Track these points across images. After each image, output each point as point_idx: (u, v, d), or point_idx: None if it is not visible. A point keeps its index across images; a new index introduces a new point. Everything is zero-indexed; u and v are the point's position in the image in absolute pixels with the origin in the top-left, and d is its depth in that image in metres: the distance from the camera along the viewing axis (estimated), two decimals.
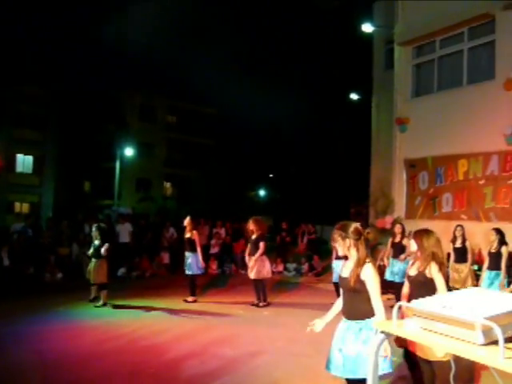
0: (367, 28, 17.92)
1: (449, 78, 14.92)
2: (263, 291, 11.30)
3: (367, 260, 4.44)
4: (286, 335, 8.56)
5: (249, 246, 11.53)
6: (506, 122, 12.59)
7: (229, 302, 11.59)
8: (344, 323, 4.52)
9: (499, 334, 2.03)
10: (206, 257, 16.20)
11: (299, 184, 45.78)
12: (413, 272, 5.24)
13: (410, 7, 15.62)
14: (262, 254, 11.14)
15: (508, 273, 9.88)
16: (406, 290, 5.41)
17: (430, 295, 3.14)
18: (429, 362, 4.89)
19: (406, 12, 15.79)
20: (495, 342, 2.07)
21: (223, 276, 16.34)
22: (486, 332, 2.11)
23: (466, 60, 14.27)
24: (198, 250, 11.58)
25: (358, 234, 4.48)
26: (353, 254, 4.49)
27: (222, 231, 18.39)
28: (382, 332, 2.50)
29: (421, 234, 5.20)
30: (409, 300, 4.96)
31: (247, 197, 51.60)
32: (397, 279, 11.01)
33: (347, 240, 4.47)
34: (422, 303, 2.43)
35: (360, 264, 4.41)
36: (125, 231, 16.51)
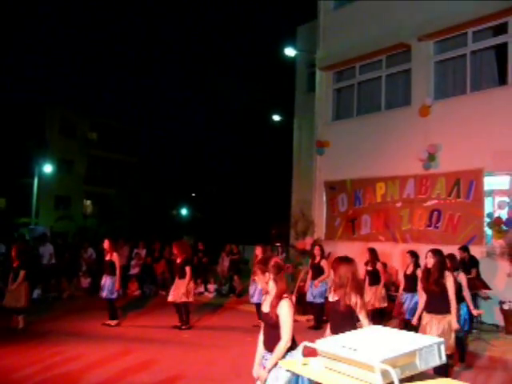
0: (290, 52, 18.22)
1: (368, 102, 15.40)
2: (186, 314, 11.09)
3: (284, 295, 4.40)
4: (206, 359, 8.48)
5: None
6: (421, 146, 13.07)
7: (148, 325, 11.34)
8: (264, 354, 4.41)
9: (394, 377, 2.09)
10: (126, 278, 15.91)
11: (221, 204, 45.96)
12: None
13: (331, 33, 16.07)
14: (190, 279, 10.96)
15: None
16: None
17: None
18: None
19: (327, 38, 16.23)
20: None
21: (143, 297, 16.02)
22: (385, 373, 2.15)
23: (384, 86, 14.79)
24: (117, 272, 11.28)
25: (278, 269, 4.47)
26: (271, 288, 4.46)
27: (143, 252, 18.08)
28: (288, 370, 2.52)
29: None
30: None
31: (169, 216, 51.17)
32: (317, 300, 11.20)
33: (266, 274, 4.45)
34: (326, 343, 2.46)
35: (278, 298, 4.37)
36: (46, 253, 15.93)
